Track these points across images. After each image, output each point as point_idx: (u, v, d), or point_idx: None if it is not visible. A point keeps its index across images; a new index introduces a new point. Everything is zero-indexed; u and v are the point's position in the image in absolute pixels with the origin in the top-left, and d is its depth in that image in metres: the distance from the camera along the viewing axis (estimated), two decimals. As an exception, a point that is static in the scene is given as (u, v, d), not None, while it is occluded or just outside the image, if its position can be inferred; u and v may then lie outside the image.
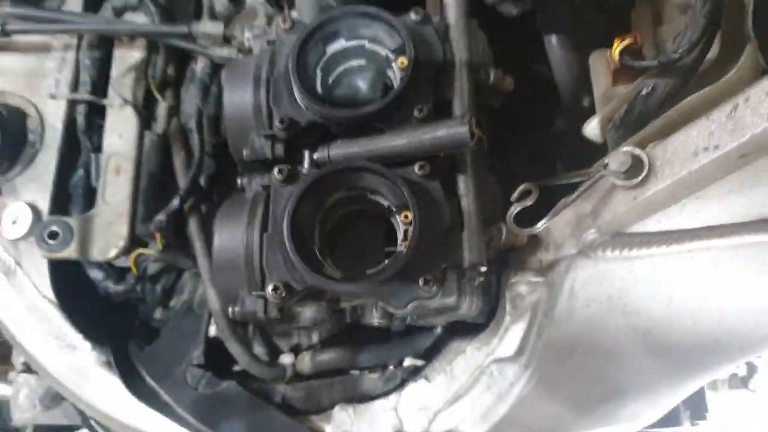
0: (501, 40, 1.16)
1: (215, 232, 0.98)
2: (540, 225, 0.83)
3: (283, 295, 0.88)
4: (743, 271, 0.85)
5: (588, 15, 1.11)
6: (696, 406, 1.58)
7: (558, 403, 1.03)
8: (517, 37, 1.15)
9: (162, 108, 1.43)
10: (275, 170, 0.94)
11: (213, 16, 1.40)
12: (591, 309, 0.92)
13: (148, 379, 1.20)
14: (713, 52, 0.84)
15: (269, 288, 0.88)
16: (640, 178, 0.76)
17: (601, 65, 0.93)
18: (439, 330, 1.14)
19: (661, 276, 0.86)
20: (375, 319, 1.09)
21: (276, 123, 0.96)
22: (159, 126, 1.43)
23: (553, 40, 0.99)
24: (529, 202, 0.82)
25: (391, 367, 1.17)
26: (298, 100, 0.96)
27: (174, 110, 1.45)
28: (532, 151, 1.44)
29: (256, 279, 0.94)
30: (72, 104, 1.36)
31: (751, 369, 1.75)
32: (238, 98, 1.04)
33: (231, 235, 0.96)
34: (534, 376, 0.96)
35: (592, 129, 0.92)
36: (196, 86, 1.37)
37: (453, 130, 0.86)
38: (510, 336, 0.95)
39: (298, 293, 0.88)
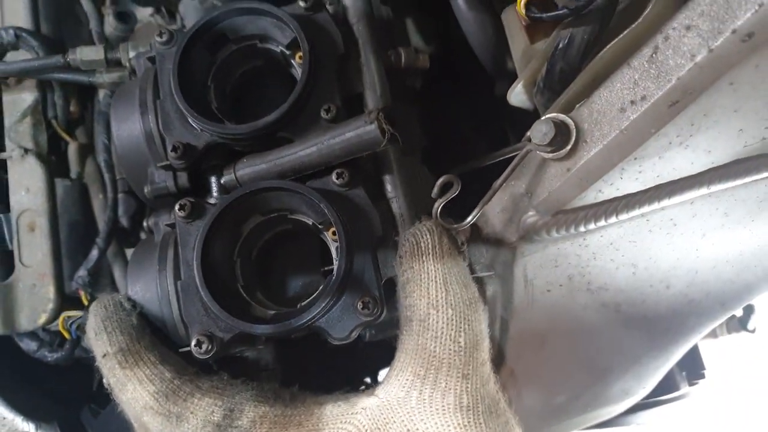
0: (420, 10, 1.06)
1: (128, 284, 0.88)
2: (471, 217, 0.73)
3: (209, 348, 0.78)
4: (707, 224, 0.77)
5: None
6: (692, 366, 1.51)
7: (540, 395, 0.95)
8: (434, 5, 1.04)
9: (72, 149, 1.32)
10: (176, 206, 0.83)
11: (103, 38, 1.28)
12: (553, 293, 0.83)
13: (104, 447, 1.11)
14: (631, -14, 0.74)
15: (192, 343, 0.78)
16: (569, 146, 0.66)
17: (515, 22, 0.82)
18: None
19: (618, 246, 0.77)
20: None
21: (170, 153, 0.85)
22: (73, 169, 1.32)
23: (459, 1, 0.88)
24: (452, 195, 0.72)
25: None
26: (190, 122, 0.85)
27: (87, 149, 1.34)
28: (480, 117, 1.34)
29: (180, 334, 0.84)
30: (-33, 164, 1.24)
31: (748, 309, 1.66)
32: (127, 129, 0.92)
33: (144, 287, 0.86)
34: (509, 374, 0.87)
35: (517, 95, 0.82)
36: (99, 117, 1.25)
37: (361, 130, 0.76)
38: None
39: (226, 344, 0.79)
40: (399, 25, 0.99)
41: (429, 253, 0.71)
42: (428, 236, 0.72)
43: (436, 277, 0.70)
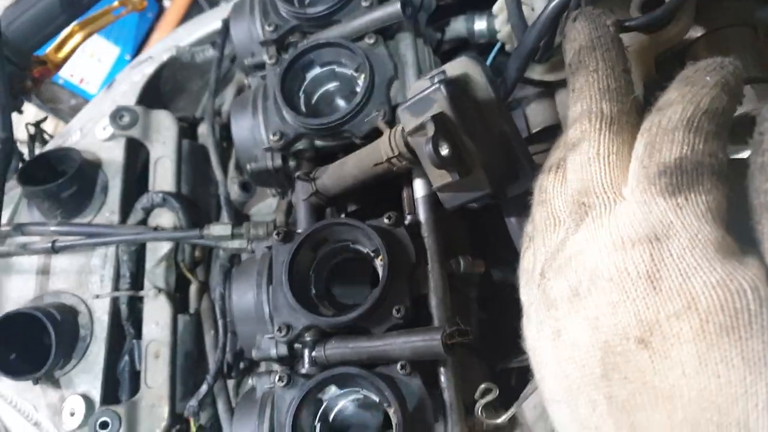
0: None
1: (232, 430, 1.11)
2: (506, 416, 0.91)
3: None
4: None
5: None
6: None
7: None
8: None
9: (194, 289, 1.61)
10: (276, 377, 1.06)
11: (229, 201, 1.60)
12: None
13: None
14: None
15: None
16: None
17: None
18: None
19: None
20: None
21: (275, 331, 1.09)
22: (192, 305, 1.61)
23: (513, 222, 1.09)
24: (491, 398, 0.90)
25: None
26: (296, 311, 1.09)
27: (205, 287, 1.63)
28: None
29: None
30: (116, 298, 1.56)
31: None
32: (245, 302, 1.18)
33: (245, 435, 1.09)
34: None
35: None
36: (218, 270, 1.54)
37: (428, 343, 0.96)
38: None
39: None
40: (461, 235, 1.21)
41: None
42: None
43: None
